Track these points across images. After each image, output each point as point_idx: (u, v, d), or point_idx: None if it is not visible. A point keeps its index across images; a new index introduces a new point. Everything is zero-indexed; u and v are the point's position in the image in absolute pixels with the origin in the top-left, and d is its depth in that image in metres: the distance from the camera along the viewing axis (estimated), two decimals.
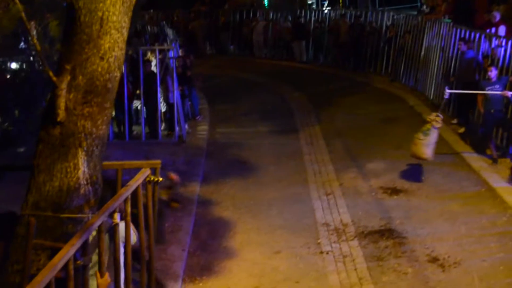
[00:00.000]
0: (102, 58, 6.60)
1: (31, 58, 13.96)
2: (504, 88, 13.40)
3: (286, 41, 28.95)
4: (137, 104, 16.41)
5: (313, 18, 29.01)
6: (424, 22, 21.09)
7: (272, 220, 11.49)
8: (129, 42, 7.28)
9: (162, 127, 16.27)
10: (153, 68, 16.45)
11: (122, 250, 6.75)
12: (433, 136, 12.70)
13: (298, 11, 29.94)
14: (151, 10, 31.26)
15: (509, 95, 13.08)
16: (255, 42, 29.74)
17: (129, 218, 6.69)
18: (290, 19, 29.70)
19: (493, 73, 13.67)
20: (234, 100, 20.30)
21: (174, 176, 10.23)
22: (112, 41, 6.63)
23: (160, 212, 8.57)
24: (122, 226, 6.62)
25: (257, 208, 12.03)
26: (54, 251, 5.79)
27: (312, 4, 35.59)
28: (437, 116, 12.77)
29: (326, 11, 30.95)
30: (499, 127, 14.33)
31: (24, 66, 14.43)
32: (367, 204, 12.04)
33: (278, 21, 29.95)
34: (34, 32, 8.41)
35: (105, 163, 7.03)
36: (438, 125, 12.75)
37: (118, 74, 6.84)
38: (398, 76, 22.50)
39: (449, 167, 13.75)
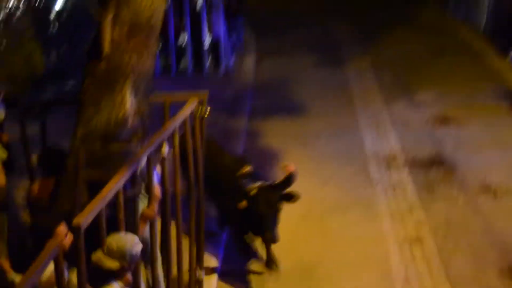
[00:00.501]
0: None
1: None
2: None
3: None
4: (183, 38, 16.30)
5: None
6: None
7: (321, 150, 11.52)
8: None
9: (209, 61, 16.17)
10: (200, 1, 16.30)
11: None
12: None
13: None
14: None
15: None
16: None
17: (177, 149, 6.69)
18: None
19: None
20: (280, 32, 19.98)
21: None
22: None
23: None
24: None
25: (306, 139, 12.03)
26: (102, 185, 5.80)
27: None
28: None
29: None
30: None
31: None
32: (417, 133, 11.99)
33: None
34: None
35: (152, 96, 7.00)
36: None
37: (161, 10, 6.74)
38: (448, 6, 21.94)
39: (501, 100, 13.53)
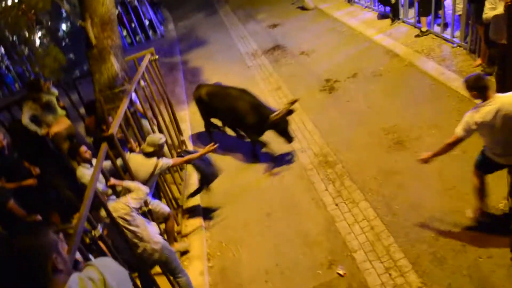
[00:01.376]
0: (103, 4, 5.97)
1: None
2: None
3: None
4: (133, 24, 15.19)
5: None
6: None
7: (220, 59, 11.06)
8: None
9: (150, 32, 15.19)
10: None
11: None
12: None
13: None
14: None
15: None
16: None
17: (149, 82, 6.39)
18: None
19: None
20: (181, 5, 18.74)
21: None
22: None
23: None
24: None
25: (212, 55, 11.50)
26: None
27: None
28: None
29: None
30: None
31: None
32: (263, 36, 11.61)
33: None
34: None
35: (126, 58, 6.58)
36: None
37: (114, 11, 6.22)
38: None
39: (296, 2, 13.10)
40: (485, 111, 3.88)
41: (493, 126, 3.87)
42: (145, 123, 6.17)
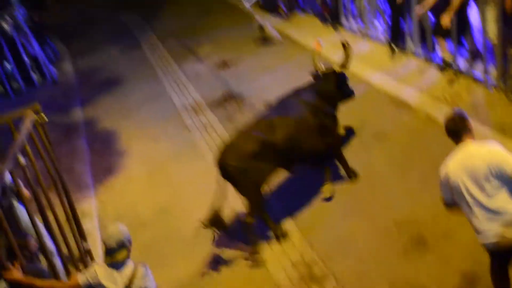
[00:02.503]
0: None
1: None
2: None
3: None
4: (7, 64, 15.17)
5: None
6: None
7: (145, 116, 11.19)
8: None
9: (36, 76, 15.18)
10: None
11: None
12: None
13: None
14: None
15: None
16: None
17: (32, 157, 6.26)
18: None
19: None
20: (85, 36, 19.05)
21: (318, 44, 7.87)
22: None
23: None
24: None
25: (131, 112, 11.63)
26: None
27: None
28: None
29: None
30: None
31: None
32: (208, 81, 11.93)
33: None
34: None
35: None
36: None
37: None
38: None
39: (255, 31, 13.60)
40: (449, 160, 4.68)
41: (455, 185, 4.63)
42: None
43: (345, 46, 7.41)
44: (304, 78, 9.82)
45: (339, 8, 12.19)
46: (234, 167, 6.41)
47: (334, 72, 7.46)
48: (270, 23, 13.25)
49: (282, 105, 7.12)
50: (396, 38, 10.16)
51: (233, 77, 11.68)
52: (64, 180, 7.14)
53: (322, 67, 7.58)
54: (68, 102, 13.08)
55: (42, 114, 6.94)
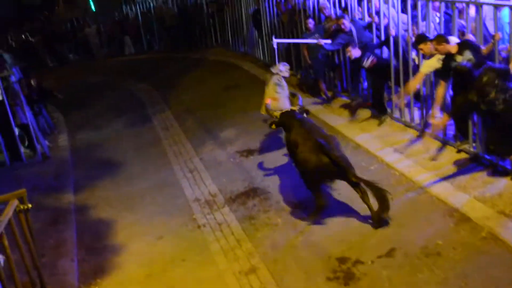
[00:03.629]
0: None
1: None
2: (321, 37, 13.80)
3: (118, 38, 28.65)
4: None
5: (139, 10, 28.70)
6: None
7: (148, 208, 11.40)
8: None
9: (24, 149, 15.65)
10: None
11: None
12: (286, 86, 12.57)
13: (124, 7, 29.46)
14: None
15: (323, 44, 13.40)
16: (93, 45, 29.14)
17: (8, 251, 6.49)
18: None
19: (310, 24, 14.13)
20: (86, 105, 19.86)
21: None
22: None
23: None
24: None
25: (132, 201, 11.88)
26: None
27: None
28: (284, 65, 12.71)
29: (149, 1, 30.72)
30: (327, 70, 14.83)
31: None
32: (228, 170, 12.19)
33: (107, 21, 29.43)
34: None
35: None
36: (287, 74, 12.75)
37: None
38: (229, 45, 22.79)
39: None
40: None
41: None
42: None
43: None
44: None
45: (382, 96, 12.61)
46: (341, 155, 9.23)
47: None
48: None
49: None
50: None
51: (258, 169, 11.91)
52: (44, 279, 7.31)
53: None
54: (59, 182, 13.41)
55: (27, 201, 7.24)
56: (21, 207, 7.15)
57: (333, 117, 13.54)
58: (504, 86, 8.71)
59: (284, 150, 12.34)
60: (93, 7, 31.03)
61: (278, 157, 12.15)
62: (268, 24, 18.00)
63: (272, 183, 11.10)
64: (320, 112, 13.90)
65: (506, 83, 8.73)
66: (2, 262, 6.32)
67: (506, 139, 9.15)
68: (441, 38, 9.86)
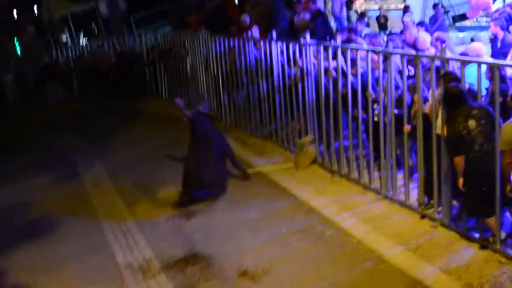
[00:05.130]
0: None
1: None
2: None
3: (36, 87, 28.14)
4: None
5: (70, 55, 28.51)
6: (183, 38, 21.49)
7: (73, 275, 11.07)
8: None
9: None
10: None
11: None
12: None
13: (53, 52, 29.21)
14: None
15: None
16: (9, 95, 28.34)
17: None
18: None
19: None
20: (6, 156, 19.48)
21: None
22: None
23: None
24: None
25: (55, 266, 11.49)
26: None
27: (66, 41, 34.76)
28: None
29: (83, 45, 30.69)
30: None
31: None
32: (166, 233, 12.01)
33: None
34: None
35: None
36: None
37: None
38: (172, 95, 22.81)
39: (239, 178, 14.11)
40: None
41: None
42: None
43: None
44: (291, 242, 10.06)
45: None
46: None
47: None
48: None
49: None
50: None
51: (201, 232, 11.79)
52: None
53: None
54: None
55: None
56: None
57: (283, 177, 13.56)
58: (488, 131, 8.93)
59: (229, 210, 12.36)
60: (18, 52, 30.43)
61: (224, 219, 12.09)
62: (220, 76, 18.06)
63: (216, 249, 10.98)
64: (270, 172, 13.93)
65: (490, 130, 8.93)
66: None
67: (485, 196, 9.28)
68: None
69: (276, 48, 14.92)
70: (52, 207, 14.47)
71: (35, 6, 36.16)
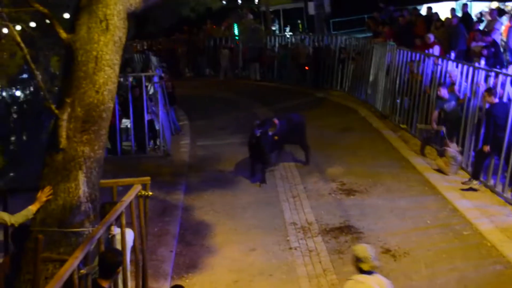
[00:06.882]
0: (97, 92, 6.71)
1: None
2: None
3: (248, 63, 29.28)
4: (126, 123, 16.41)
5: (277, 43, 29.26)
6: (371, 45, 21.44)
7: (247, 221, 11.62)
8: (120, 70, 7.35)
9: (149, 143, 16.27)
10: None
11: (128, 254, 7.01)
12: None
13: (265, 38, 30.06)
14: (137, 40, 31.36)
15: None
16: (222, 66, 29.75)
17: (124, 229, 6.84)
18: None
19: (443, 92, 13.93)
20: (210, 116, 20.44)
21: None
22: (106, 76, 6.75)
23: None
24: (128, 233, 6.89)
25: (234, 211, 12.16)
26: (61, 261, 5.95)
27: (275, 30, 35.72)
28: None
29: (288, 36, 31.33)
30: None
31: (29, 96, 14.42)
32: (328, 204, 12.23)
33: (240, 47, 30.08)
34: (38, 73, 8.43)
35: (102, 181, 7.11)
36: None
37: (111, 105, 6.94)
38: (351, 90, 22.89)
39: (398, 169, 14.02)
40: None
41: None
42: None
43: None
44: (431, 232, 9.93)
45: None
46: None
47: None
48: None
49: None
50: None
51: (356, 208, 11.92)
52: (146, 262, 7.61)
53: None
54: (174, 181, 13.89)
55: (148, 189, 7.60)
56: (143, 193, 7.49)
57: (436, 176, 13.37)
58: None
59: (384, 196, 12.35)
60: (236, 33, 31.59)
61: (378, 202, 12.13)
62: (398, 81, 17.88)
63: (367, 225, 11.08)
64: (425, 171, 13.77)
65: None
66: (115, 232, 6.65)
67: None
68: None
69: (452, 66, 14.59)
70: (238, 162, 15.06)
71: None
